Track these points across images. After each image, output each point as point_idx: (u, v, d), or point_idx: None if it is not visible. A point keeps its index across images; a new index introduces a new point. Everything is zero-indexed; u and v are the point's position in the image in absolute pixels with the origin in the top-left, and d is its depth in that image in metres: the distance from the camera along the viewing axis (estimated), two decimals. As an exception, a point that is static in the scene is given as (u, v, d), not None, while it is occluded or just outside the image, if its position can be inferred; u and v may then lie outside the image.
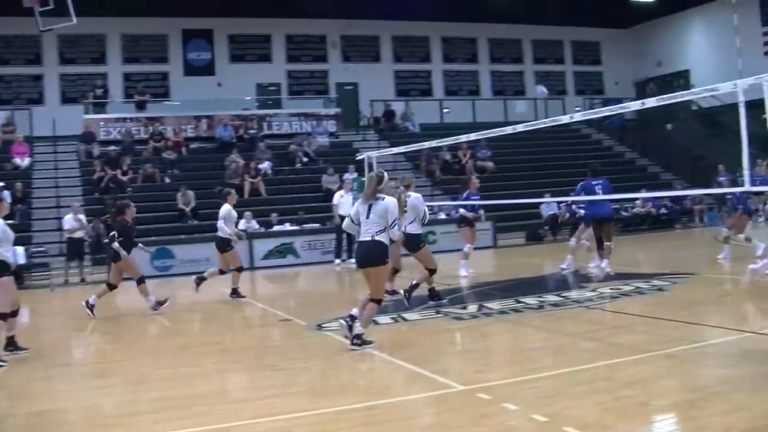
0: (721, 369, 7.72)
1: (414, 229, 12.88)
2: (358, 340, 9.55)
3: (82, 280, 20.98)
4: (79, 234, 21.39)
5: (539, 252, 23.51)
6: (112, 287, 14.49)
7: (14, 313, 10.64)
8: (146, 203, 25.34)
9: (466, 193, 17.69)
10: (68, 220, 21.34)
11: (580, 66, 42.32)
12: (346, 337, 9.81)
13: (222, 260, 15.94)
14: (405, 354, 9.34)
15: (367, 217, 9.78)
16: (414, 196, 12.88)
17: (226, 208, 15.70)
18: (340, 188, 23.43)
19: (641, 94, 39.39)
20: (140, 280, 14.45)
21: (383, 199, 9.80)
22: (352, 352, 9.50)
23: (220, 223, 15.58)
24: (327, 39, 37.31)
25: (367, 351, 9.47)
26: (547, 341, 9.82)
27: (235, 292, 15.76)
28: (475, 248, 17.76)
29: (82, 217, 21.71)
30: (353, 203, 20.95)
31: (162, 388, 8.45)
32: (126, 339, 12.02)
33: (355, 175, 24.33)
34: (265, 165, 28.66)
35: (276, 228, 24.52)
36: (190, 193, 25.46)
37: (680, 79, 39.51)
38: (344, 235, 22.11)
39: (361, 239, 9.95)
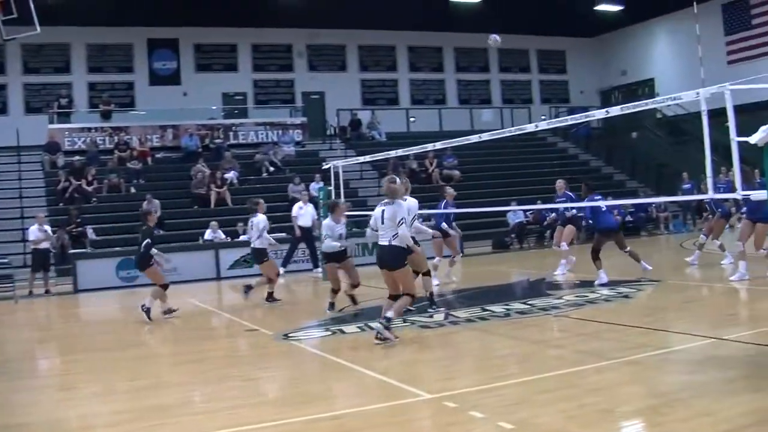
0: (684, 375, 7.78)
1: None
2: (385, 321, 10.07)
3: (47, 292, 20.77)
4: (44, 245, 21.12)
5: (506, 260, 23.61)
6: (166, 287, 14.79)
7: None
8: (111, 213, 25.25)
9: (443, 203, 17.65)
10: (33, 231, 21.12)
11: (545, 75, 42.58)
12: (378, 337, 10.13)
13: (263, 269, 16.05)
14: (372, 363, 9.34)
15: (382, 222, 10.34)
16: (410, 200, 12.89)
17: (263, 219, 15.71)
18: (298, 200, 23.36)
19: (606, 103, 39.75)
20: (165, 286, 14.71)
21: (393, 203, 10.35)
22: (322, 363, 9.55)
23: (260, 234, 15.49)
24: (293, 48, 37.30)
25: (333, 360, 9.46)
26: (514, 349, 9.86)
27: (271, 297, 15.74)
28: (444, 257, 17.79)
29: (47, 227, 21.50)
30: (314, 214, 21.11)
31: (126, 400, 8.37)
32: (91, 351, 11.91)
33: (321, 184, 24.27)
34: (231, 174, 28.57)
35: (242, 238, 24.39)
36: (156, 201, 25.32)
37: (645, 88, 39.88)
38: (304, 245, 22.32)
39: (379, 243, 10.50)
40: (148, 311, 14.16)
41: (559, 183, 18.30)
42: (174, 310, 14.62)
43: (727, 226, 18.25)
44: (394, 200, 10.41)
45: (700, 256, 17.30)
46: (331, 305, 13.62)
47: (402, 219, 10.17)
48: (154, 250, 14.52)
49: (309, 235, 22.11)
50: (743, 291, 13.69)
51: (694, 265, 17.03)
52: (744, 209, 15.44)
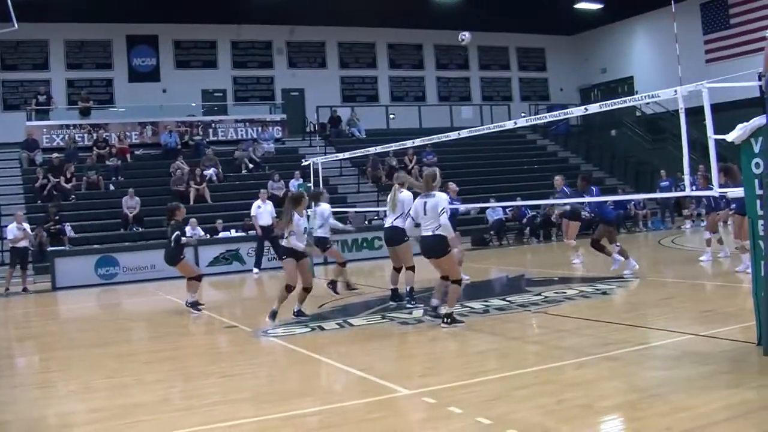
0: (662, 371, 7.81)
1: (399, 223, 12.92)
2: (448, 319, 10.69)
3: (24, 290, 20.61)
4: (22, 243, 20.93)
5: (485, 257, 23.64)
6: (199, 278, 14.94)
7: None
8: (90, 210, 25.12)
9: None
10: (11, 230, 20.95)
11: (525, 72, 42.69)
12: (445, 322, 10.74)
13: (331, 256, 16.29)
14: (351, 359, 9.34)
15: (425, 213, 10.86)
16: (405, 193, 12.90)
17: (327, 207, 15.44)
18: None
19: (586, 100, 39.84)
20: (198, 278, 14.85)
21: (434, 195, 10.88)
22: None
23: (323, 223, 15.20)
24: (273, 45, 37.23)
25: (312, 356, 9.45)
26: (492, 345, 9.86)
27: (333, 284, 15.49)
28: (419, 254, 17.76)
29: (26, 225, 21.30)
30: (273, 211, 21.19)
31: (103, 398, 8.33)
32: (68, 348, 11.85)
33: (301, 181, 24.28)
34: (211, 171, 28.49)
35: (221, 234, 24.36)
36: (137, 198, 25.22)
37: (624, 86, 40.04)
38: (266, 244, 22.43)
39: (423, 234, 10.96)
40: (194, 304, 14.34)
41: (558, 179, 18.38)
42: (201, 305, 14.57)
43: (720, 222, 18.30)
44: (433, 192, 10.91)
45: (717, 252, 17.25)
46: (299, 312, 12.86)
47: (443, 209, 10.67)
48: (183, 239, 14.54)
49: (269, 234, 22.00)
50: (722, 287, 13.76)
51: (708, 261, 16.89)
52: (734, 205, 15.49)
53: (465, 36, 16.56)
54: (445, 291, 11.19)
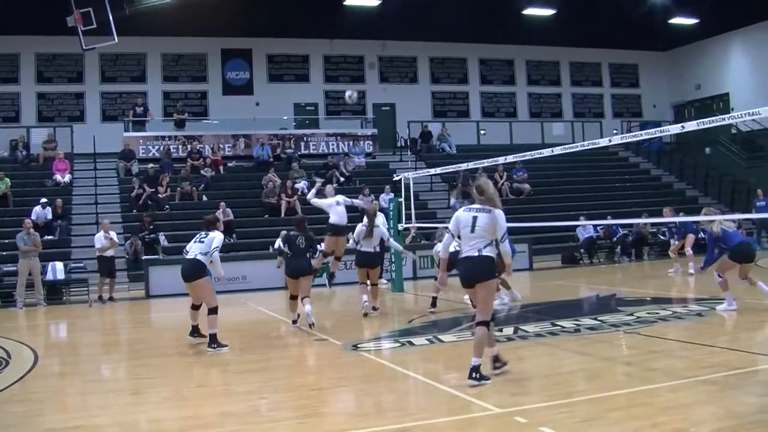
0: (762, 397, 7.61)
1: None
2: (476, 375, 8.59)
3: (110, 298, 20.87)
4: (109, 253, 21.14)
5: (575, 275, 23.33)
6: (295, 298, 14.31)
7: None
8: (183, 221, 25.52)
9: None
10: (99, 239, 21.22)
11: (618, 89, 42.08)
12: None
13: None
14: (441, 376, 9.31)
15: (472, 231, 8.86)
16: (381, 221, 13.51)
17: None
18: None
19: (679, 117, 39.17)
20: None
21: (491, 211, 8.89)
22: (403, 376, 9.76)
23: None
24: (365, 60, 37.43)
25: (402, 371, 9.46)
26: (583, 365, 9.73)
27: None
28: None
29: (113, 234, 21.53)
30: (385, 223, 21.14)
31: (194, 406, 8.46)
32: (161, 356, 12.01)
33: (392, 195, 24.31)
34: (302, 184, 28.75)
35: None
36: (228, 210, 25.54)
37: (719, 102, 39.19)
38: None
39: (465, 254, 8.90)
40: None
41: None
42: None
43: None
44: (492, 208, 8.93)
45: None
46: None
47: (505, 234, 8.93)
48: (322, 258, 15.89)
49: None
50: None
51: None
52: None
53: (351, 94, 16.56)
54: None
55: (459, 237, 9.05)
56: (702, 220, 15.88)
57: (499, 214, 8.88)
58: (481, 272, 8.76)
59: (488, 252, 8.79)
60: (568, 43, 38.54)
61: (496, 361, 9.10)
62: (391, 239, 17.52)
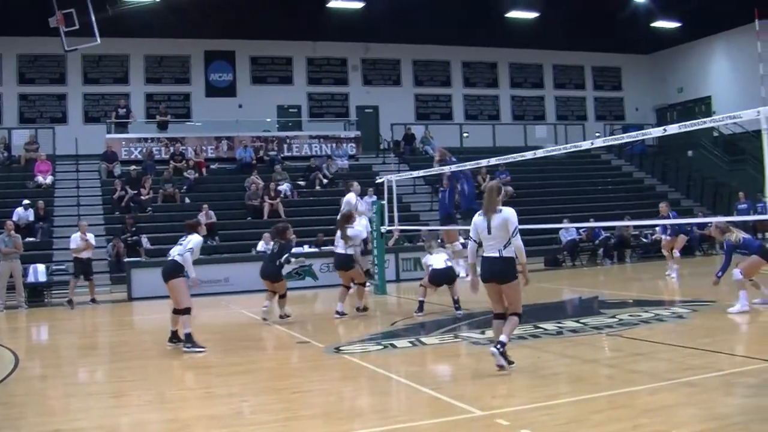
0: (741, 398, 7.64)
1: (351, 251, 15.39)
2: (500, 347, 9.15)
3: (92, 300, 20.78)
4: (85, 254, 20.69)
5: (557, 277, 23.39)
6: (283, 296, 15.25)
7: None
8: (166, 223, 25.46)
9: None
10: (74, 239, 20.77)
11: (600, 92, 42.24)
12: (500, 366, 9.18)
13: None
14: (423, 378, 9.31)
15: (489, 233, 9.34)
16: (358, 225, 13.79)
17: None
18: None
19: (662, 120, 39.33)
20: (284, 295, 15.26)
21: (501, 211, 9.38)
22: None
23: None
24: (348, 62, 37.43)
25: (384, 374, 9.44)
26: (566, 367, 9.73)
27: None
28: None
29: (90, 236, 21.13)
30: (368, 226, 21.12)
31: (176, 409, 8.43)
32: (143, 358, 11.97)
33: (375, 198, 24.30)
34: (285, 187, 28.72)
35: (295, 250, 24.42)
36: (211, 212, 25.47)
37: (702, 106, 39.35)
38: None
39: (486, 255, 9.39)
40: (285, 316, 15.18)
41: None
42: (288, 316, 15.29)
43: None
44: (498, 207, 9.42)
45: None
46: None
47: (516, 228, 9.26)
48: (293, 259, 16.08)
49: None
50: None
51: None
52: None
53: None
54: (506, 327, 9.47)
55: (479, 243, 9.54)
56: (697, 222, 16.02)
57: (508, 210, 9.42)
58: (505, 275, 9.29)
59: (508, 253, 9.27)
60: (551, 46, 38.68)
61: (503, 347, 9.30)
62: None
